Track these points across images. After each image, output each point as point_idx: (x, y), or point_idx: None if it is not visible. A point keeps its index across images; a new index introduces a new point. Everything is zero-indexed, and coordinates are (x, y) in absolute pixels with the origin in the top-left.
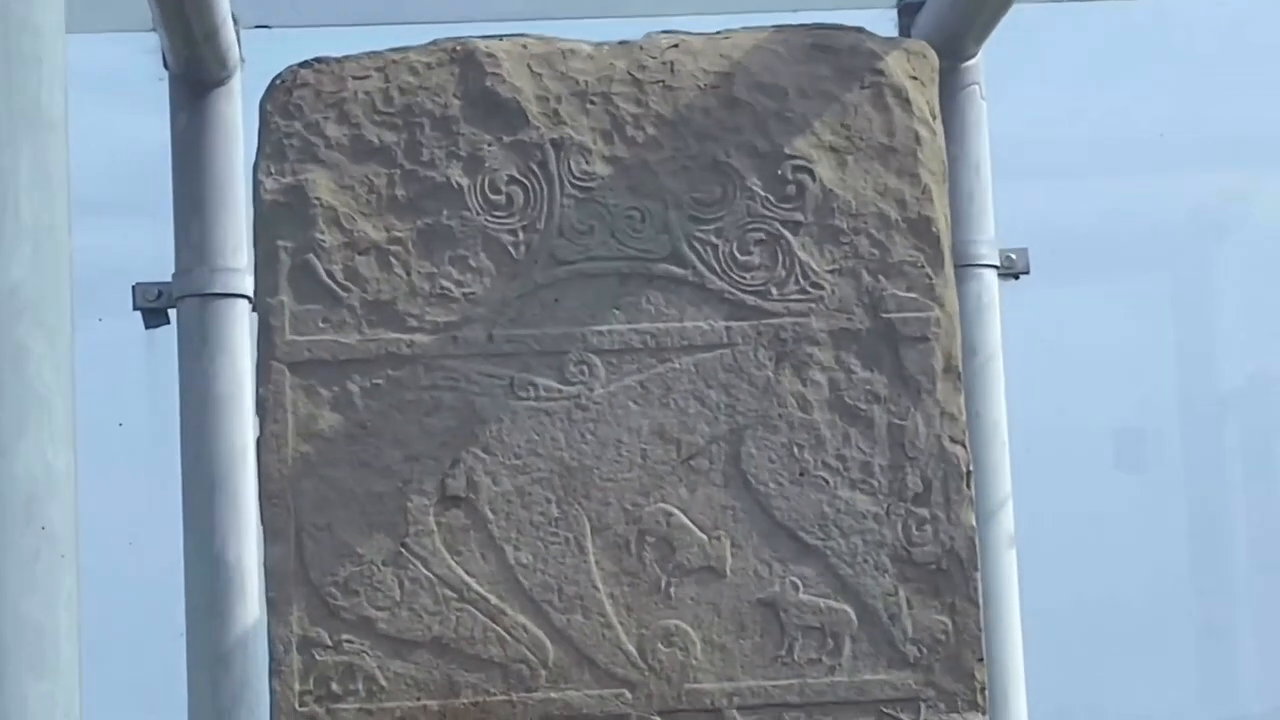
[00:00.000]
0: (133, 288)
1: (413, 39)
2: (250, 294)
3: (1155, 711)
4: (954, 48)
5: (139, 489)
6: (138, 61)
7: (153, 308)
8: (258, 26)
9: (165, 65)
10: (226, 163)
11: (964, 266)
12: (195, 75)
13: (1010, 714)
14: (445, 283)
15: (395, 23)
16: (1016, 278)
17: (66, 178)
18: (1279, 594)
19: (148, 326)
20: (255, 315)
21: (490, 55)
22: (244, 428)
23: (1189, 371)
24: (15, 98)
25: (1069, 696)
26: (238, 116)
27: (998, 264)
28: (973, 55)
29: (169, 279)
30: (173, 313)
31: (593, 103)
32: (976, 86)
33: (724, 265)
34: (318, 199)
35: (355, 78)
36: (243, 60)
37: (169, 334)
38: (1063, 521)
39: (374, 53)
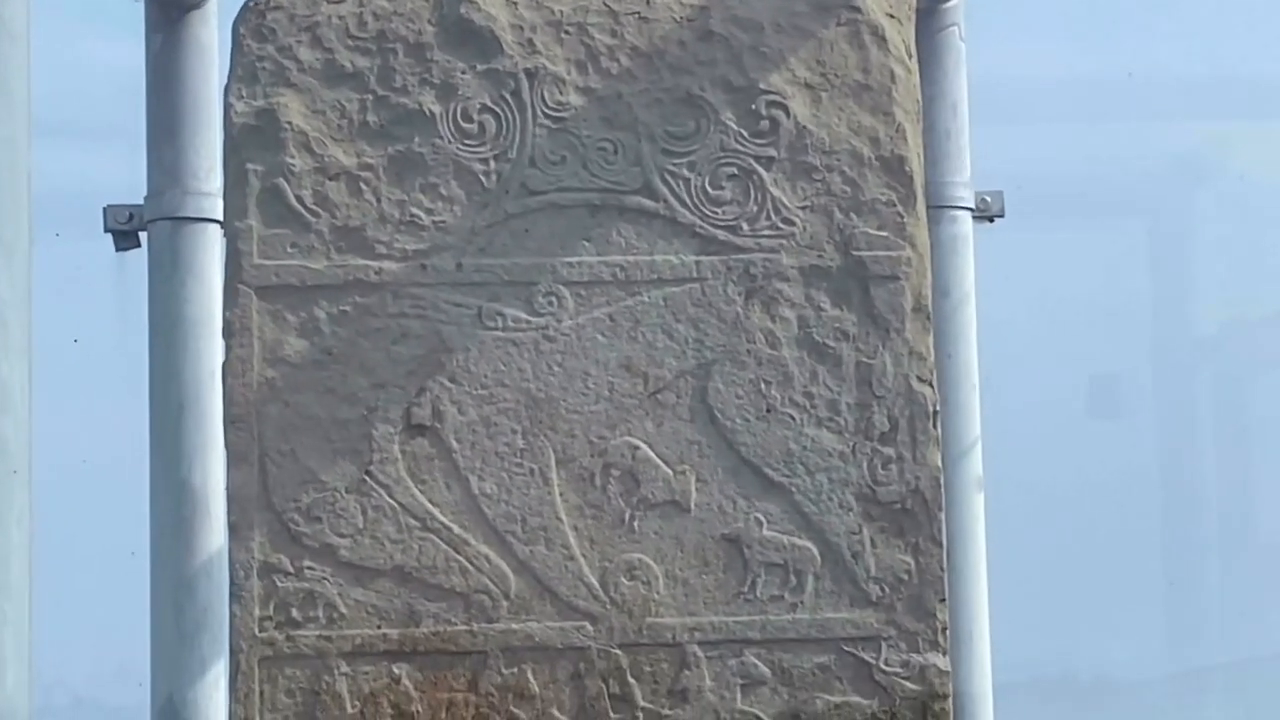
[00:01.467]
0: (104, 210)
1: None
2: (222, 218)
3: (1121, 658)
4: None
5: (106, 411)
6: None
7: (124, 230)
8: None
9: None
10: (201, 86)
11: (939, 208)
12: None
13: (975, 657)
14: (415, 210)
15: None
16: (991, 220)
17: (27, 92)
18: (1247, 542)
19: (118, 249)
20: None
21: None
22: (213, 352)
23: (1162, 317)
24: None
25: (1034, 640)
26: (213, 39)
27: (973, 206)
28: None
29: (140, 202)
30: (144, 235)
31: (568, 33)
32: (956, 28)
33: (696, 199)
34: (289, 123)
35: (329, 1)
36: None
37: (140, 257)
38: (1033, 466)
39: None
